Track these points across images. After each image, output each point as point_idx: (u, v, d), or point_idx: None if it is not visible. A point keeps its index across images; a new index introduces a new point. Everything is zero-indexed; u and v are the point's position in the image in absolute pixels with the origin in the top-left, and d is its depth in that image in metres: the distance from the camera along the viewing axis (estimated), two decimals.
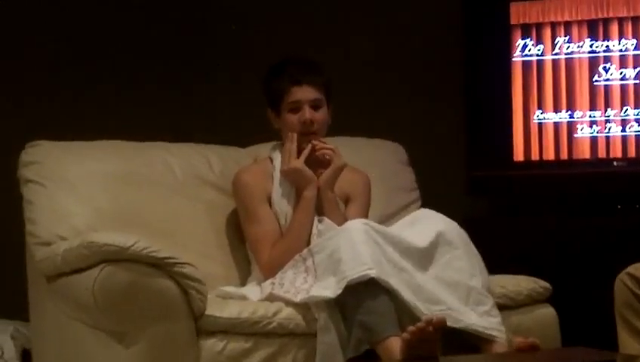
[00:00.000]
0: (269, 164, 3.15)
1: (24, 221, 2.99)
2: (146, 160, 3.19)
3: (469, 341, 2.69)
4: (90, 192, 3.02)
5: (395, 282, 2.65)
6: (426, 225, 2.82)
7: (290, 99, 3.06)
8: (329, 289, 2.67)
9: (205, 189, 3.23)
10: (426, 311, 2.65)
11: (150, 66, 4.16)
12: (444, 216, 2.86)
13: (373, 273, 2.62)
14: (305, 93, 3.06)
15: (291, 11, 4.27)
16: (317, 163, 3.07)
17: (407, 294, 2.66)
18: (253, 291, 2.93)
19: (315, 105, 3.07)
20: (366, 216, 3.06)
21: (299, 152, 3.05)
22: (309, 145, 3.05)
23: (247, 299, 2.86)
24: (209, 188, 3.23)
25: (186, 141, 3.35)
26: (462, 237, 2.81)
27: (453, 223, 2.84)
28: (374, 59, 4.24)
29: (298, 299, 2.71)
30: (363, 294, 2.62)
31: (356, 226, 2.75)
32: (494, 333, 2.69)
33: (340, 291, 2.63)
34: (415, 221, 2.87)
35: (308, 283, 2.75)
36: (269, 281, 2.89)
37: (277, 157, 3.14)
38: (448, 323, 2.55)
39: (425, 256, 2.76)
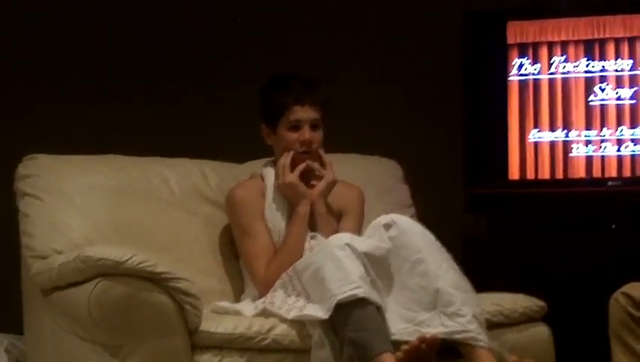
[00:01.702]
0: (260, 181, 3.16)
1: (20, 234, 2.98)
2: (142, 174, 3.19)
3: (450, 343, 2.67)
4: (86, 206, 3.02)
5: (377, 297, 2.65)
6: (388, 230, 2.79)
7: (291, 117, 3.06)
8: (321, 309, 2.66)
9: (202, 204, 3.23)
10: (393, 330, 2.65)
11: (148, 81, 4.16)
12: (405, 218, 2.85)
13: (361, 292, 2.62)
14: (307, 113, 3.06)
15: (291, 27, 4.29)
16: (309, 180, 3.08)
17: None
18: (247, 307, 2.93)
19: (313, 125, 3.08)
20: (359, 230, 3.06)
21: (292, 169, 3.06)
22: (304, 163, 3.06)
23: (241, 315, 2.86)
24: (205, 203, 3.23)
25: (184, 156, 3.35)
26: (424, 238, 2.78)
27: (414, 224, 2.82)
28: (372, 77, 4.25)
29: (290, 316, 2.71)
30: (352, 311, 2.62)
31: (338, 242, 2.73)
32: (463, 336, 2.65)
33: (330, 312, 2.62)
34: (375, 229, 2.83)
35: (300, 301, 2.74)
36: (260, 300, 2.89)
37: (268, 173, 3.14)
38: (417, 337, 2.52)
39: (391, 266, 2.75)
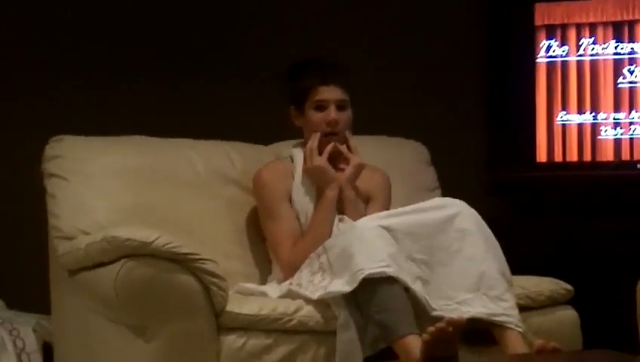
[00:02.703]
0: (289, 163, 3.16)
1: (47, 215, 3.00)
2: (168, 156, 3.20)
3: (482, 328, 2.67)
4: (112, 188, 3.03)
5: (407, 276, 2.64)
6: (440, 210, 2.78)
7: (316, 97, 3.06)
8: (346, 283, 2.65)
9: (227, 186, 3.23)
10: (435, 305, 2.65)
11: (173, 63, 4.16)
12: (461, 202, 2.83)
13: (390, 271, 2.61)
14: (332, 93, 3.06)
15: (312, 10, 4.27)
16: (336, 163, 3.08)
17: (418, 288, 2.65)
18: (273, 288, 2.93)
19: (340, 106, 3.08)
20: None
21: (320, 152, 3.06)
22: (331, 144, 3.06)
23: (267, 296, 2.87)
24: (230, 186, 3.24)
25: (209, 138, 3.35)
26: (477, 223, 2.78)
27: (468, 209, 2.80)
28: (397, 59, 4.23)
29: (316, 296, 2.71)
30: (377, 290, 2.61)
31: (367, 224, 2.73)
32: (503, 319, 2.66)
33: (356, 284, 2.61)
34: (430, 206, 2.82)
35: (325, 280, 2.74)
36: (286, 282, 2.89)
37: (297, 155, 3.14)
38: (456, 315, 2.52)
39: (436, 243, 2.74)
